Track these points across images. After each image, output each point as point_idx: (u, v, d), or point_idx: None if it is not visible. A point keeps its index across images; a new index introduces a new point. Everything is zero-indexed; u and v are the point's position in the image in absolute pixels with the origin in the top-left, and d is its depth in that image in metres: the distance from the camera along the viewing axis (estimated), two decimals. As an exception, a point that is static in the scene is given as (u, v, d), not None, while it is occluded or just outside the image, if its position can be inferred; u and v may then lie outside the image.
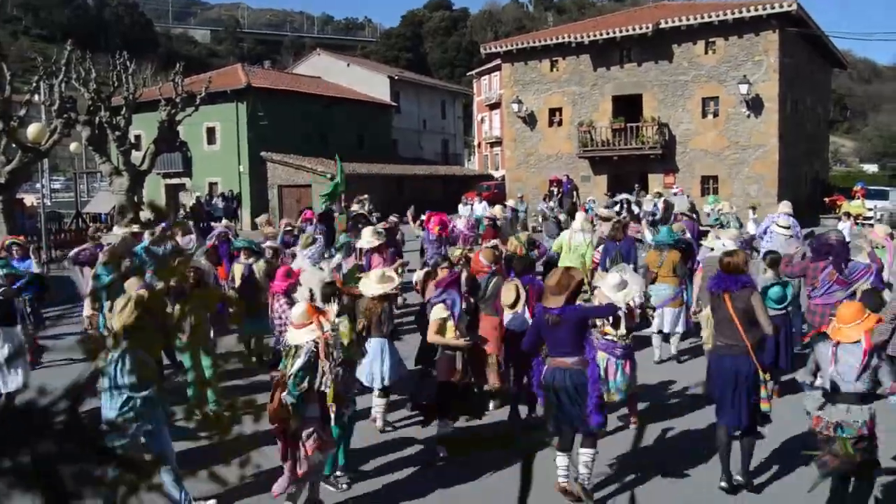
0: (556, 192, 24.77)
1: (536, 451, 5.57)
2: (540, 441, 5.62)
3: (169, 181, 31.99)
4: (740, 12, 23.34)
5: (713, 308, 5.61)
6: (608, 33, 25.47)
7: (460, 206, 21.89)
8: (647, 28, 24.58)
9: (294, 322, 4.93)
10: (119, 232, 10.64)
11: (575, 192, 25.80)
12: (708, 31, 24.19)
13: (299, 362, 4.65)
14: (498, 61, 33.06)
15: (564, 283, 5.16)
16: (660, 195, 19.33)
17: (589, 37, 25.85)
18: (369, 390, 6.71)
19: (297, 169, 30.35)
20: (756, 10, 23.12)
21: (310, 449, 4.74)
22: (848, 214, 14.29)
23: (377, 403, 6.66)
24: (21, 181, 17.17)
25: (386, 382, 6.49)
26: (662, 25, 24.57)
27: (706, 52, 24.56)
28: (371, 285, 6.23)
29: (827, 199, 26.33)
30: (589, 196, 23.56)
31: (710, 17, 23.81)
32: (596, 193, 24.48)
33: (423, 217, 12.75)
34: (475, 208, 21.01)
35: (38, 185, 23.88)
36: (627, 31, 25.05)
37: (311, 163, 30.35)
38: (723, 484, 5.35)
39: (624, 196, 21.71)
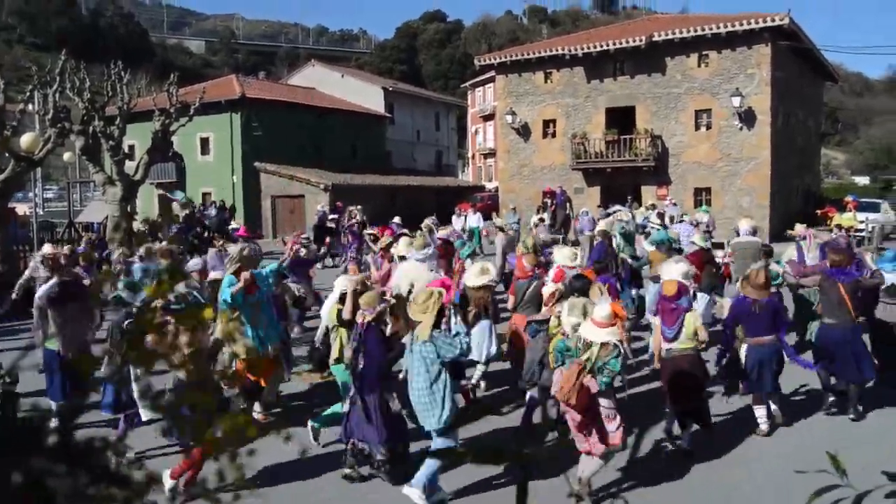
0: (549, 204, 24.77)
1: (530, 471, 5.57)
2: (546, 454, 5.86)
3: (162, 191, 31.92)
4: (733, 26, 23.52)
5: (825, 291, 7.29)
6: (602, 46, 25.61)
7: (454, 218, 21.88)
8: (641, 41, 24.73)
9: (598, 321, 5.30)
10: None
11: (568, 204, 25.84)
12: (701, 44, 24.35)
13: (616, 361, 5.22)
14: (492, 73, 33.21)
15: (765, 280, 6.73)
16: (654, 207, 19.40)
17: (583, 49, 25.99)
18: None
19: (290, 180, 30.31)
20: (749, 23, 23.29)
21: (617, 439, 5.23)
22: (839, 227, 14.34)
23: (480, 370, 7.87)
24: (14, 190, 17.07)
25: (490, 357, 7.78)
26: (656, 38, 24.72)
27: (699, 65, 24.71)
28: (472, 277, 6.86)
29: (819, 211, 26.39)
30: (582, 208, 23.58)
31: (703, 30, 23.99)
32: (589, 205, 24.48)
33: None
34: (469, 220, 21.10)
35: (31, 195, 23.79)
36: (621, 43, 25.20)
37: (305, 174, 30.33)
38: (858, 410, 7.10)
39: (617, 208, 21.73)
